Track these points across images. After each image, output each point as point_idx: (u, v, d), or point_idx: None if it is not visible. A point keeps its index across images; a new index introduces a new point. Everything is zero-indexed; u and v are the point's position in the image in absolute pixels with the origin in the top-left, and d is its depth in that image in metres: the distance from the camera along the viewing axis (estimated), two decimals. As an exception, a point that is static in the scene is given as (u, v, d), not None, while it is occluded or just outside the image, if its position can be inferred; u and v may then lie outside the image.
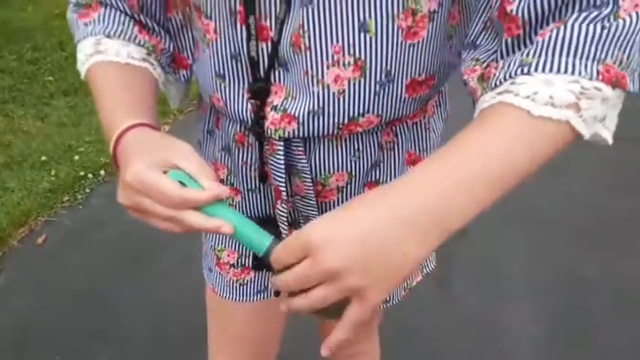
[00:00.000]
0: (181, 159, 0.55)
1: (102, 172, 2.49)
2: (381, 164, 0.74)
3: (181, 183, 0.54)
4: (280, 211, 0.73)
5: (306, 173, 0.69)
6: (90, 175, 2.46)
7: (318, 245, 0.47)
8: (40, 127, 2.77)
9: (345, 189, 0.73)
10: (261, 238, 0.56)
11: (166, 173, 0.54)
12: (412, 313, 1.84)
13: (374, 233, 0.47)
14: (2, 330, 1.74)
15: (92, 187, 2.41)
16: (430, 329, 1.80)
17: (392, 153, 0.73)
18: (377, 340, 1.21)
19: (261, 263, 0.84)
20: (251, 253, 0.87)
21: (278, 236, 0.77)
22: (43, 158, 2.51)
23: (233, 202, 0.81)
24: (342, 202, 0.75)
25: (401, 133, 0.72)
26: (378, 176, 0.75)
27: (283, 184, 0.70)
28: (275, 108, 0.64)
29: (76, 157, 2.54)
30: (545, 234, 2.17)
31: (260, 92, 0.64)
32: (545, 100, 0.48)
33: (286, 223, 0.74)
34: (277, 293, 0.90)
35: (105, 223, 2.20)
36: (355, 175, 0.72)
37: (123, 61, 0.66)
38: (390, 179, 0.75)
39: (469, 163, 0.48)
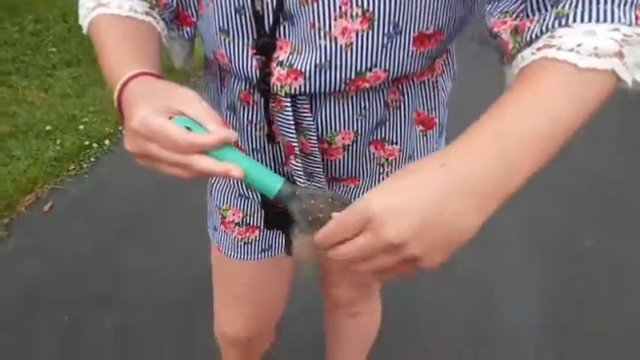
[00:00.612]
0: (186, 105, 0.55)
1: (106, 141, 2.51)
2: (387, 123, 0.74)
3: (187, 129, 0.54)
4: (295, 166, 0.73)
5: (311, 131, 0.69)
6: (95, 145, 2.48)
7: (380, 218, 0.47)
8: (44, 98, 2.78)
9: (350, 147, 0.73)
10: (272, 181, 0.56)
11: (172, 119, 0.54)
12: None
13: (434, 205, 0.47)
14: (11, 292, 1.78)
15: (97, 156, 2.43)
16: (427, 292, 1.84)
17: (398, 112, 0.73)
18: (378, 300, 1.24)
19: (272, 221, 0.86)
20: (261, 214, 0.87)
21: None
22: (48, 128, 2.53)
23: None
24: (348, 160, 0.75)
25: (408, 92, 0.72)
26: (383, 135, 0.75)
27: (295, 140, 0.69)
28: (281, 64, 0.63)
29: (81, 127, 2.56)
30: (545, 201, 2.19)
31: (265, 48, 0.63)
32: (589, 51, 0.47)
33: (303, 177, 0.74)
34: (289, 252, 0.91)
35: (110, 191, 2.23)
36: (361, 133, 0.72)
37: (125, 14, 0.65)
38: (396, 138, 0.75)
39: (521, 124, 0.48)
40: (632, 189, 2.36)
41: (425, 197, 0.47)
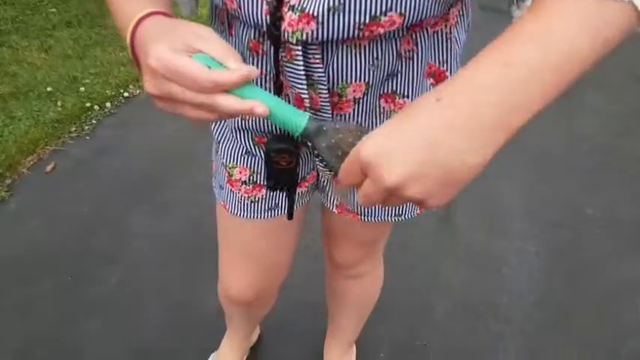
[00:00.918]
0: (204, 42, 0.53)
1: (108, 104, 2.48)
2: (399, 75, 0.72)
3: (207, 67, 0.52)
4: None
5: (322, 84, 0.67)
6: (96, 107, 2.45)
7: (375, 163, 0.46)
8: (44, 59, 2.74)
9: (361, 100, 0.72)
10: (298, 117, 0.55)
11: (190, 57, 0.52)
12: (416, 243, 1.88)
13: (428, 144, 0.45)
14: (15, 252, 1.79)
15: (99, 118, 2.41)
16: (432, 259, 1.85)
17: (411, 63, 0.71)
18: (382, 261, 1.24)
19: (276, 179, 0.85)
20: (264, 174, 0.87)
21: (295, 158, 0.77)
22: (49, 89, 2.50)
23: (247, 117, 0.81)
24: (358, 114, 0.74)
25: (421, 42, 0.70)
26: (395, 87, 0.73)
27: (305, 91, 0.68)
28: (292, 8, 0.60)
29: (82, 89, 2.53)
30: (550, 172, 2.19)
31: None
32: None
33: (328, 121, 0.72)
34: (290, 215, 0.91)
35: (113, 153, 2.22)
36: (372, 85, 0.71)
37: None
38: (407, 91, 0.74)
39: (527, 55, 0.45)
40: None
41: (418, 137, 0.46)
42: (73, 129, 2.33)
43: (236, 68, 0.52)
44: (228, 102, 0.52)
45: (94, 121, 2.39)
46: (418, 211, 0.95)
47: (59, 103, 2.43)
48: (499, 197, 2.11)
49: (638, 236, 1.99)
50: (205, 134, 2.24)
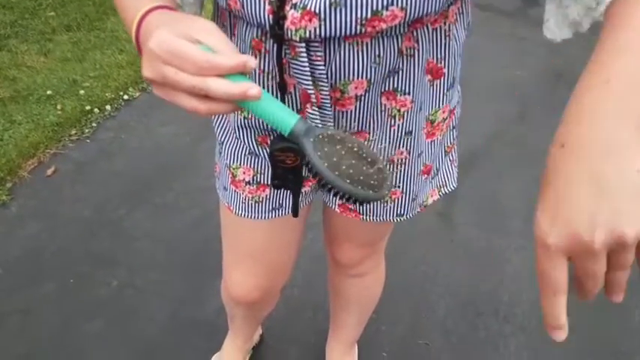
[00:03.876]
0: (206, 34, 0.54)
1: (108, 107, 2.49)
2: (400, 72, 0.73)
3: None
4: (312, 114, 0.72)
5: (323, 81, 0.68)
6: (96, 110, 2.46)
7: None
8: (43, 63, 2.75)
9: (363, 97, 0.73)
10: (287, 116, 0.55)
11: None
12: (416, 242, 1.89)
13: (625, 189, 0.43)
14: (16, 255, 1.79)
15: (99, 121, 2.42)
16: (432, 258, 1.86)
17: (412, 60, 0.72)
18: (383, 260, 1.25)
19: (280, 179, 0.85)
20: (269, 174, 0.87)
21: (300, 156, 0.78)
22: (49, 92, 2.51)
23: (249, 114, 0.81)
24: (359, 111, 0.75)
25: (421, 39, 0.71)
26: (396, 85, 0.74)
27: (311, 86, 0.68)
28: (295, 6, 0.61)
29: (82, 92, 2.53)
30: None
31: None
32: None
33: (320, 126, 0.73)
34: (295, 213, 0.93)
35: (113, 156, 2.23)
36: (374, 82, 0.71)
37: None
38: (408, 88, 0.75)
39: (632, 67, 0.45)
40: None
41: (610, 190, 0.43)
42: (73, 132, 2.34)
43: (234, 56, 0.53)
44: (219, 83, 0.52)
45: (94, 124, 2.40)
46: (418, 210, 0.96)
47: (59, 107, 2.44)
48: (499, 195, 2.12)
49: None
50: (205, 136, 2.25)
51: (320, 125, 0.73)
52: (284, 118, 0.55)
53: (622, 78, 0.45)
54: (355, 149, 0.56)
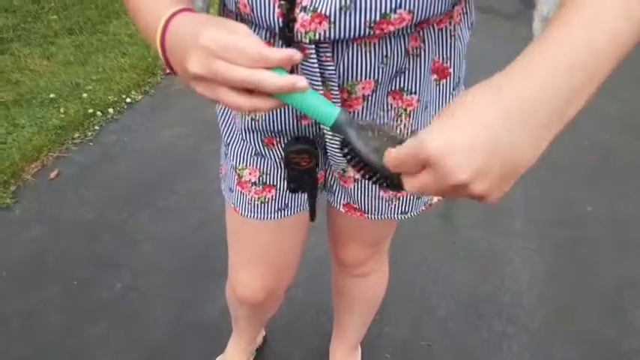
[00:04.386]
0: (243, 34, 0.54)
1: (110, 110, 2.50)
2: (407, 72, 0.74)
3: None
4: None
5: (332, 81, 0.69)
6: (99, 113, 2.47)
7: (441, 158, 0.46)
8: (46, 66, 2.76)
9: (370, 97, 0.74)
10: (329, 108, 0.56)
11: None
12: (417, 243, 1.90)
13: (492, 139, 0.46)
14: (20, 258, 1.80)
15: (101, 124, 2.43)
16: (433, 259, 1.86)
17: (418, 60, 0.73)
18: (387, 260, 1.25)
19: (294, 181, 0.86)
20: (277, 172, 0.88)
21: (315, 158, 0.77)
22: (52, 96, 2.52)
23: (256, 116, 0.82)
24: (367, 110, 0.76)
25: (428, 39, 0.72)
26: (402, 84, 0.75)
27: (321, 87, 0.69)
28: (305, 9, 0.62)
29: (85, 95, 2.54)
30: (549, 171, 2.20)
31: None
32: None
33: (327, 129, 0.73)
34: (313, 217, 0.92)
35: (116, 159, 2.24)
36: (381, 82, 0.72)
37: None
38: (415, 88, 0.76)
39: (580, 44, 0.47)
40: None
41: (482, 132, 0.46)
42: (76, 135, 2.35)
43: (280, 50, 0.53)
44: (270, 75, 0.52)
45: (96, 127, 2.41)
46: (423, 208, 0.96)
47: (62, 110, 2.44)
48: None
49: (639, 234, 2.00)
50: (208, 139, 2.26)
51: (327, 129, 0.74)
52: (327, 109, 0.56)
53: (569, 57, 0.47)
54: (384, 132, 0.57)
